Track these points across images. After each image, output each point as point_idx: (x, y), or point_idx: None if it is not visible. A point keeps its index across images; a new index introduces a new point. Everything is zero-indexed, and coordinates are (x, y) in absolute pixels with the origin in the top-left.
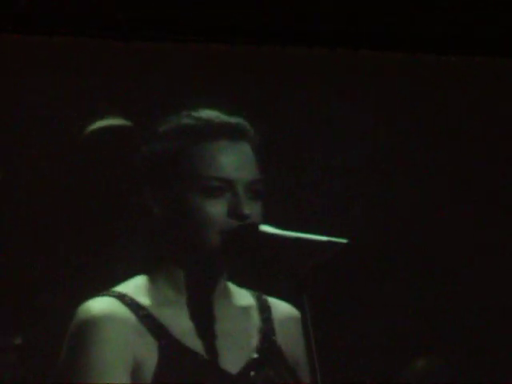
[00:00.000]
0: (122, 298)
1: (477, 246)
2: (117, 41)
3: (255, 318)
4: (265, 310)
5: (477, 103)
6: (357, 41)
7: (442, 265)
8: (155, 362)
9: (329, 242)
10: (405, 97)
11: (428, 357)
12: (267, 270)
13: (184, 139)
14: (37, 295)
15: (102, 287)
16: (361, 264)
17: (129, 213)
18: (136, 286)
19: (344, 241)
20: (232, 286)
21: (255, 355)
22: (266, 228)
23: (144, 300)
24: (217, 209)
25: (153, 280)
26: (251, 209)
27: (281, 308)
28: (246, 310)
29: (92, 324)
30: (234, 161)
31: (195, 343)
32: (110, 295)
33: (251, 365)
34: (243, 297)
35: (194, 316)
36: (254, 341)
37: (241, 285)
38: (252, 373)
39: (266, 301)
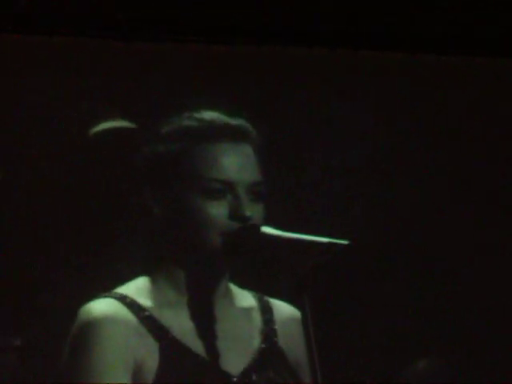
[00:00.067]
0: (123, 299)
1: (477, 246)
2: (117, 41)
3: (257, 320)
4: (266, 311)
5: (477, 103)
6: (357, 41)
7: (442, 265)
8: (156, 363)
9: (329, 243)
10: (405, 97)
11: (428, 357)
12: (268, 270)
13: (186, 141)
14: (37, 295)
15: (102, 287)
16: (361, 264)
17: (129, 213)
18: (137, 288)
19: (344, 242)
20: (234, 288)
21: (256, 357)
22: (267, 229)
23: (145, 301)
24: (218, 210)
25: (153, 281)
26: (252, 211)
27: (282, 309)
28: (247, 311)
29: (93, 325)
30: (236, 162)
31: (196, 344)
32: (111, 297)
33: (252, 366)
34: (245, 298)
35: (195, 317)
36: (256, 342)
37: (242, 286)
38: (253, 374)
39: (268, 302)
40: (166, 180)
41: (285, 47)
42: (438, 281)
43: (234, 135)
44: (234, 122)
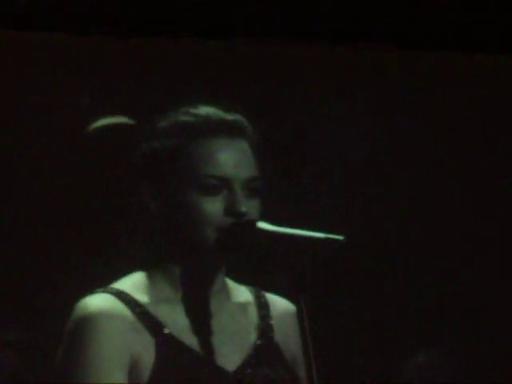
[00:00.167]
0: (119, 294)
1: (476, 240)
2: (115, 38)
3: (253, 315)
4: (263, 306)
5: (477, 100)
6: (356, 39)
7: (440, 261)
8: (152, 359)
9: (326, 238)
10: (404, 94)
11: (428, 351)
12: (264, 266)
13: (182, 136)
14: (37, 295)
15: (101, 285)
16: (358, 260)
17: (127, 210)
18: (133, 283)
19: (341, 238)
20: (230, 283)
21: (252, 352)
22: (263, 225)
23: (141, 297)
24: (214, 206)
25: (150, 277)
26: (248, 206)
27: (279, 305)
28: (243, 306)
29: (89, 321)
30: (232, 158)
31: (192, 340)
32: (107, 292)
33: (248, 362)
34: (241, 293)
35: (191, 313)
36: (252, 338)
37: (238, 281)
38: (249, 370)
39: (265, 297)
40: (162, 176)
41: (283, 44)
42: (436, 277)
43: (230, 131)
44: (230, 117)
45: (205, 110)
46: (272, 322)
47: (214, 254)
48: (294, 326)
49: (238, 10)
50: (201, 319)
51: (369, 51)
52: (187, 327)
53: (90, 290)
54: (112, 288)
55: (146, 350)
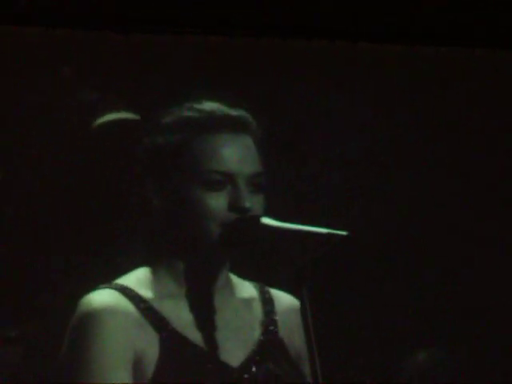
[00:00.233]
0: (123, 290)
1: (476, 237)
2: (116, 33)
3: (257, 311)
4: (267, 302)
5: (476, 96)
6: (356, 33)
7: (441, 258)
8: (156, 355)
9: (328, 234)
10: (404, 89)
11: (428, 351)
12: (267, 261)
13: (186, 132)
14: (37, 295)
15: (103, 282)
16: (360, 256)
17: (130, 206)
18: (137, 279)
19: (343, 233)
20: (234, 278)
21: (257, 348)
22: (267, 220)
23: (145, 292)
24: (217, 202)
25: (154, 272)
26: (252, 202)
27: (284, 300)
28: (248, 302)
29: (93, 317)
30: (236, 154)
31: (196, 335)
32: (111, 287)
33: (252, 358)
34: (246, 289)
35: (195, 308)
36: (256, 333)
37: (242, 277)
38: (253, 365)
39: (269, 293)
40: (166, 171)
41: (284, 40)
42: (436, 277)
43: (234, 126)
44: (234, 112)
45: (209, 106)
46: (276, 318)
47: (218, 249)
48: (298, 321)
49: (239, 4)
50: (205, 315)
51: (368, 45)
52: (191, 323)
53: (92, 287)
54: (116, 284)
55: (150, 346)
